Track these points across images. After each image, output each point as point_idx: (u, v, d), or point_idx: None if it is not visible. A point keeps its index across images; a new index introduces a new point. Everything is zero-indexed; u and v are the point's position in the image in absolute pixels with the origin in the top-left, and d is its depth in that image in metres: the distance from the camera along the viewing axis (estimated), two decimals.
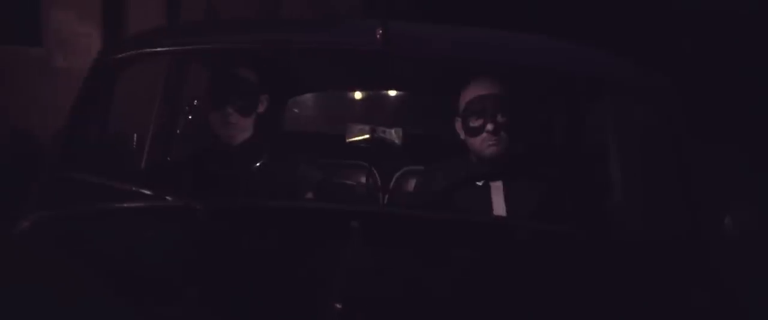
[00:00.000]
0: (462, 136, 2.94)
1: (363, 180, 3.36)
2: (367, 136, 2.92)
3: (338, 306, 1.81)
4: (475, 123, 2.88)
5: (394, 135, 2.93)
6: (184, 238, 2.24)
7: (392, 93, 5.23)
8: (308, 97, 5.16)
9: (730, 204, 2.50)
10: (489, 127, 2.85)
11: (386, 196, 3.48)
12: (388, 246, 2.13)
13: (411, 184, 3.38)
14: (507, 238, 2.38)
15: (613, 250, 2.38)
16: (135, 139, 3.34)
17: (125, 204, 2.37)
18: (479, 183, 2.91)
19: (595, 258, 2.33)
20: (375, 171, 3.42)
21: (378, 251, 2.07)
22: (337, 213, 2.27)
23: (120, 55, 2.60)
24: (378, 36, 2.43)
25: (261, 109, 3.09)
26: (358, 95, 5.81)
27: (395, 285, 2.02)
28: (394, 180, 3.51)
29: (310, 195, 3.08)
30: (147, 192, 2.33)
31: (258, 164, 3.06)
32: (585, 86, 3.07)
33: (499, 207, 2.90)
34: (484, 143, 2.88)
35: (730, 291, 2.34)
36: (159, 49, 2.60)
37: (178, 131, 3.37)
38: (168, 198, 2.31)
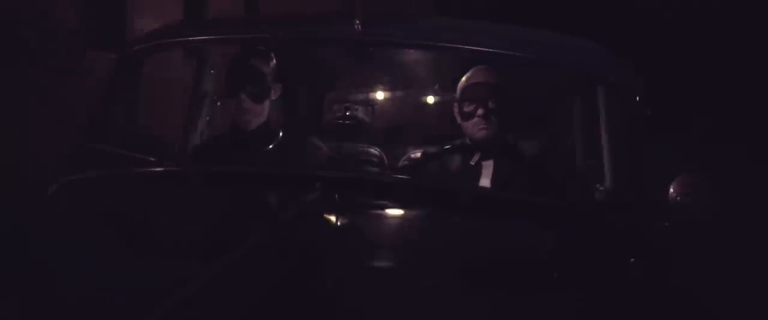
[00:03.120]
0: (458, 120, 3.27)
1: (371, 157, 3.68)
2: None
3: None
4: (468, 108, 3.20)
5: (363, 112, 3.27)
6: (173, 198, 2.64)
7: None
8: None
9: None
10: (480, 111, 3.17)
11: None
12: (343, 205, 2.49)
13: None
14: (466, 205, 2.70)
15: (566, 219, 2.67)
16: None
17: (136, 171, 2.80)
18: (472, 163, 3.24)
19: (544, 225, 2.63)
20: (383, 154, 3.75)
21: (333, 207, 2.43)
22: (305, 176, 2.65)
23: (139, 46, 3.03)
24: (357, 27, 2.79)
25: (274, 96, 3.46)
26: None
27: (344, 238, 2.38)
28: (401, 162, 3.84)
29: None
30: (151, 159, 2.75)
31: (271, 146, 3.44)
32: (563, 75, 3.35)
33: (486, 184, 3.23)
34: (475, 127, 3.21)
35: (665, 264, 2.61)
36: (170, 41, 3.02)
37: (207, 118, 3.76)
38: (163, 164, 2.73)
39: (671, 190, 2.73)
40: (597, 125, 2.94)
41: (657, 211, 2.71)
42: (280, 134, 3.44)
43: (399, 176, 2.87)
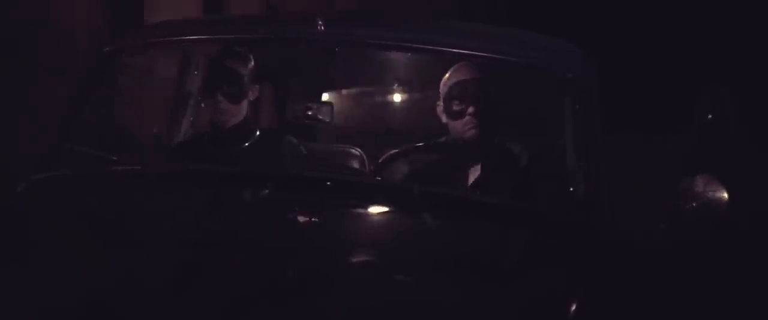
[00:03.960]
0: (443, 119, 3.20)
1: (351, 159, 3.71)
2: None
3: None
4: (458, 107, 3.12)
5: (324, 112, 3.29)
6: (138, 196, 2.70)
7: None
8: None
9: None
10: (471, 110, 3.11)
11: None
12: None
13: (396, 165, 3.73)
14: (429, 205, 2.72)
15: (528, 220, 2.68)
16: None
17: (105, 170, 2.86)
18: (458, 162, 3.19)
19: (503, 225, 2.65)
20: (363, 154, 3.77)
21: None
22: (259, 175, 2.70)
23: (111, 48, 3.10)
24: (320, 26, 2.83)
25: (252, 97, 3.50)
26: None
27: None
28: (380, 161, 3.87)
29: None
30: (115, 158, 2.81)
31: (247, 144, 3.49)
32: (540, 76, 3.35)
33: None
34: (465, 126, 3.13)
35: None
36: (142, 42, 3.08)
37: (191, 118, 3.82)
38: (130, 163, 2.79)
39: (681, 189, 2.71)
40: (565, 125, 2.95)
41: (618, 213, 2.72)
42: (257, 133, 3.49)
43: (359, 176, 2.89)
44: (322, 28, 2.84)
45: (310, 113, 3.29)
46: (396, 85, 3.82)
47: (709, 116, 5.98)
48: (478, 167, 3.12)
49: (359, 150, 3.71)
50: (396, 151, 3.63)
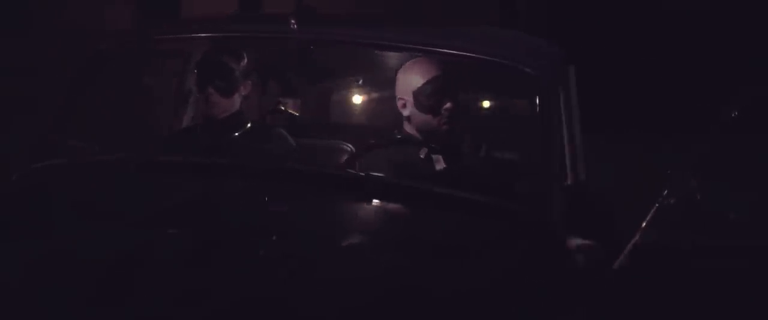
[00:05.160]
0: (407, 113, 3.26)
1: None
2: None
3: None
4: (433, 101, 3.19)
5: (292, 105, 3.43)
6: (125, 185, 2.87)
7: None
8: None
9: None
10: (448, 105, 3.20)
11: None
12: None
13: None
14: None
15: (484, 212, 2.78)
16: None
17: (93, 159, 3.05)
18: (422, 156, 3.30)
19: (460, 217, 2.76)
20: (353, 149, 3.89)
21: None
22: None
23: (103, 45, 3.27)
24: (292, 25, 2.97)
25: (244, 92, 3.66)
26: None
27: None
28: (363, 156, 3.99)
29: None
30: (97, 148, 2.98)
31: (237, 134, 3.63)
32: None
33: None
34: (441, 120, 3.22)
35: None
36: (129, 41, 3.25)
37: (191, 115, 3.99)
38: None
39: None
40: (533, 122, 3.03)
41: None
42: (248, 125, 3.64)
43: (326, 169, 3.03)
44: (295, 27, 2.98)
45: (281, 107, 3.43)
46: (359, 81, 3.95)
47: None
48: (441, 161, 3.23)
49: (350, 145, 3.84)
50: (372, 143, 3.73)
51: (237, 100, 3.64)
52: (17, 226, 2.56)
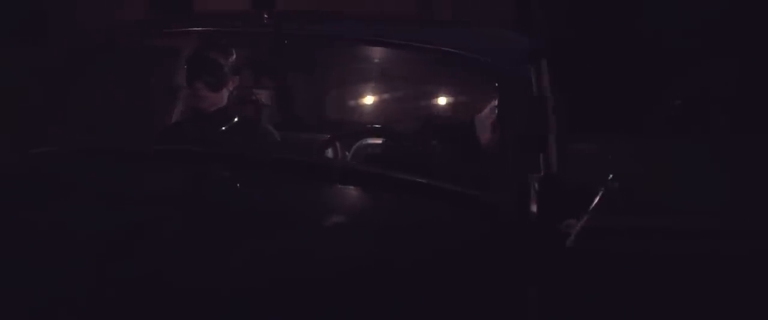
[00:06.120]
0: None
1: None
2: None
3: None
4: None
5: (265, 96, 3.58)
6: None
7: None
8: None
9: None
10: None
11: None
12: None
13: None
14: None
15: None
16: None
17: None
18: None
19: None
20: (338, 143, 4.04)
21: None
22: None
23: (90, 42, 3.45)
24: (265, 20, 3.13)
25: (231, 86, 3.82)
26: None
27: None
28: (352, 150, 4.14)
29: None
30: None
31: (224, 128, 3.79)
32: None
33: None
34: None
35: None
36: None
37: (181, 110, 4.16)
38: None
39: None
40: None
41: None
42: (235, 119, 3.80)
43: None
44: (267, 21, 3.14)
45: (253, 98, 3.59)
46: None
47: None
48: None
49: (329, 137, 3.98)
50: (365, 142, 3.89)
51: (225, 95, 3.79)
52: (10, 206, 2.70)
